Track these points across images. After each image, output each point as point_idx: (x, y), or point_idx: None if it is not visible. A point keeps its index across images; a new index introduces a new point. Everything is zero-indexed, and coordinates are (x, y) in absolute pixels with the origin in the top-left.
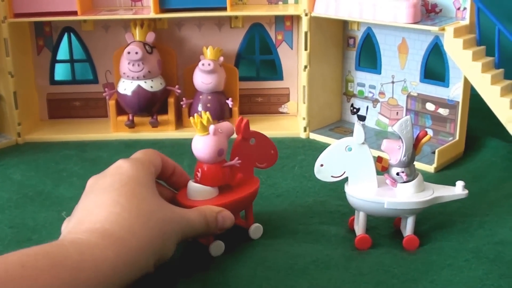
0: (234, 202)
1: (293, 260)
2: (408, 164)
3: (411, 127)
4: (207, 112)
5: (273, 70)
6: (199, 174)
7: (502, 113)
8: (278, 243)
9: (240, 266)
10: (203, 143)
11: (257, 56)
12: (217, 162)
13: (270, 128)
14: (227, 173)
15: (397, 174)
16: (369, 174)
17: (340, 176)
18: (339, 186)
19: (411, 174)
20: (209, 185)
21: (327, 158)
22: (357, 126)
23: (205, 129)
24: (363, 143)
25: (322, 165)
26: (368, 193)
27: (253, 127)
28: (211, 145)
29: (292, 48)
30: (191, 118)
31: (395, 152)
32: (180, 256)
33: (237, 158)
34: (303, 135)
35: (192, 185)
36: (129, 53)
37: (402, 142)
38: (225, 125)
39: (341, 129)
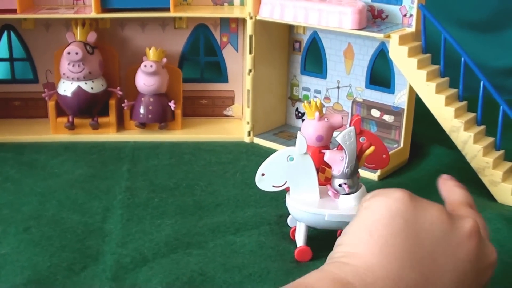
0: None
1: (228, 274)
2: (351, 175)
3: (355, 138)
4: (318, 98)
5: (218, 72)
6: None
7: (447, 123)
8: (214, 255)
9: (172, 277)
10: (306, 125)
11: (202, 57)
12: (316, 146)
13: (214, 131)
14: (323, 158)
15: (340, 185)
16: (310, 185)
17: (282, 185)
18: (280, 195)
19: (354, 186)
20: None
21: (269, 167)
22: (300, 136)
23: (312, 114)
24: (305, 153)
25: (263, 174)
26: (309, 204)
27: (196, 130)
28: (311, 129)
29: (237, 51)
30: (305, 102)
31: (337, 163)
32: None
33: (336, 148)
34: (247, 139)
35: None
36: (69, 53)
37: (345, 153)
38: (334, 116)
39: (285, 133)
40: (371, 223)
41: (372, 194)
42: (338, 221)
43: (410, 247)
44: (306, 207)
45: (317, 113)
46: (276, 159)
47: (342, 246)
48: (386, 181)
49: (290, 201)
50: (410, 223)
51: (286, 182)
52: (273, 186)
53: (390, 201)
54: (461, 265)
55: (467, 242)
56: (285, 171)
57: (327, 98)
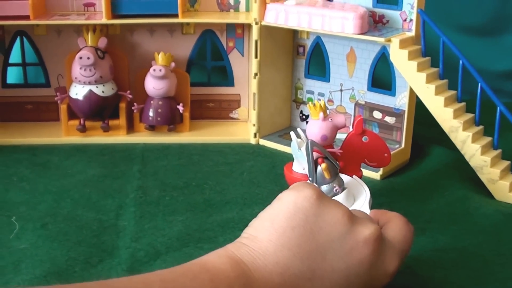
0: None
1: None
2: (318, 184)
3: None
4: (322, 99)
5: (224, 76)
6: None
7: (446, 123)
8: None
9: None
10: (311, 126)
11: (209, 62)
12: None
13: (221, 133)
14: None
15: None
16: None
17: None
18: None
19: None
20: None
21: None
22: (292, 135)
23: (317, 114)
24: (301, 148)
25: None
26: None
27: (204, 132)
28: (316, 129)
29: (243, 55)
30: (309, 103)
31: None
32: None
33: (339, 147)
34: (253, 141)
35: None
36: (81, 58)
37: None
38: (337, 116)
39: (290, 135)
40: (276, 213)
41: (291, 186)
42: None
43: (304, 241)
44: None
45: (321, 114)
46: (293, 148)
47: (249, 228)
48: (388, 180)
49: None
50: (310, 220)
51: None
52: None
53: (298, 197)
54: (353, 267)
55: (362, 247)
56: (300, 160)
57: (330, 100)
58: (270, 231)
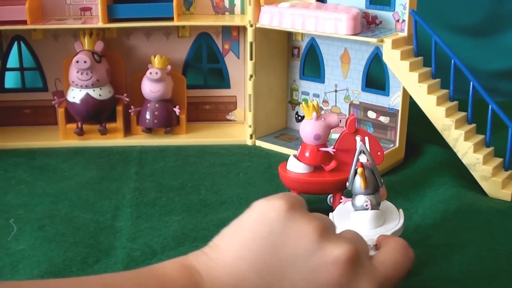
0: (319, 182)
1: None
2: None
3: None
4: (316, 99)
5: (221, 78)
6: (298, 150)
7: (438, 121)
8: None
9: None
10: (304, 125)
11: (205, 64)
12: (314, 145)
13: (217, 135)
14: (320, 156)
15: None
16: None
17: None
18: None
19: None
20: (303, 162)
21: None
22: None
23: (310, 114)
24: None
25: None
26: None
27: (200, 134)
28: (309, 129)
29: (238, 57)
30: (302, 103)
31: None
32: None
33: (333, 146)
34: (249, 142)
35: (292, 158)
36: (77, 62)
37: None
38: (330, 115)
39: (286, 136)
40: (241, 223)
41: (268, 197)
42: None
43: (264, 255)
44: None
45: (314, 113)
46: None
47: (217, 236)
48: (383, 179)
49: None
50: (275, 233)
51: None
52: None
53: (267, 208)
54: (316, 286)
55: (330, 267)
56: None
57: (325, 101)
58: (231, 241)
